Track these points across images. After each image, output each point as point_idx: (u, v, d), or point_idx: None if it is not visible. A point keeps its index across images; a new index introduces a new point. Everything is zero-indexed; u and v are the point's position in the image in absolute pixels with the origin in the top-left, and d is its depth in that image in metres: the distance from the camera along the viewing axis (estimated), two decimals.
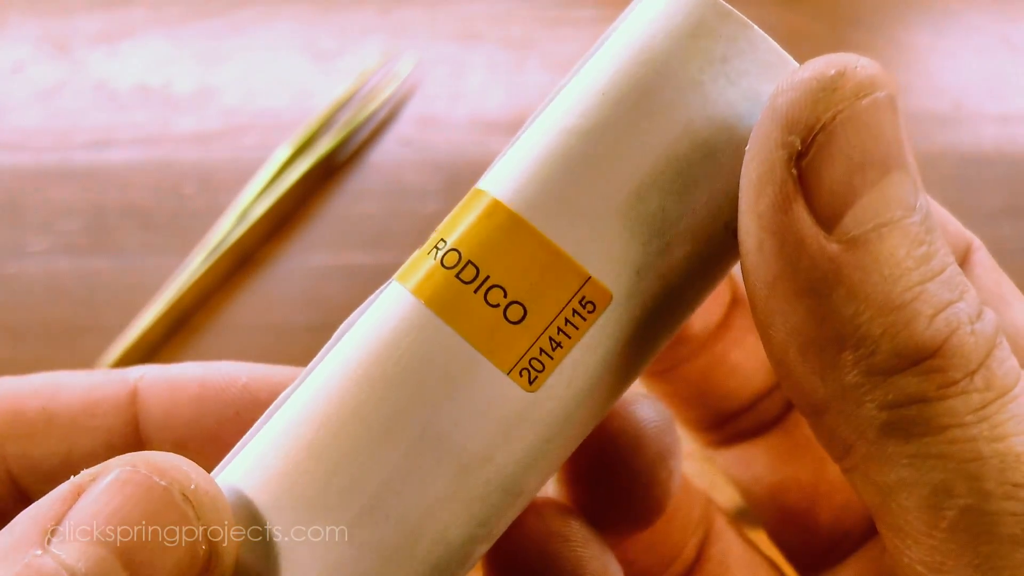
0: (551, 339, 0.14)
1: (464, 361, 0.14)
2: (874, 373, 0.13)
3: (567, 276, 0.14)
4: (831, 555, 0.19)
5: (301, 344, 0.39)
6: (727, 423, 0.20)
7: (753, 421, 0.19)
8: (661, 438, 0.16)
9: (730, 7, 0.14)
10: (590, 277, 0.14)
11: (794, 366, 0.13)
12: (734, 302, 0.18)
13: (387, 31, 0.45)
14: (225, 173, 0.40)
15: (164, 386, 0.16)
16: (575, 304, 0.14)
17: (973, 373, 0.13)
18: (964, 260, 0.17)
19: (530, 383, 0.14)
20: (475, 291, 0.14)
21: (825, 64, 0.13)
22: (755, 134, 0.13)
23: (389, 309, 0.14)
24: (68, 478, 0.14)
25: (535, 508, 0.16)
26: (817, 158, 0.13)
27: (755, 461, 0.19)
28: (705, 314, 0.18)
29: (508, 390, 0.14)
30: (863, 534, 0.19)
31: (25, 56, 0.44)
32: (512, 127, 0.41)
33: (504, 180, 0.14)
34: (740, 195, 0.14)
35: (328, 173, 0.40)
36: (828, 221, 0.13)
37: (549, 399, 0.14)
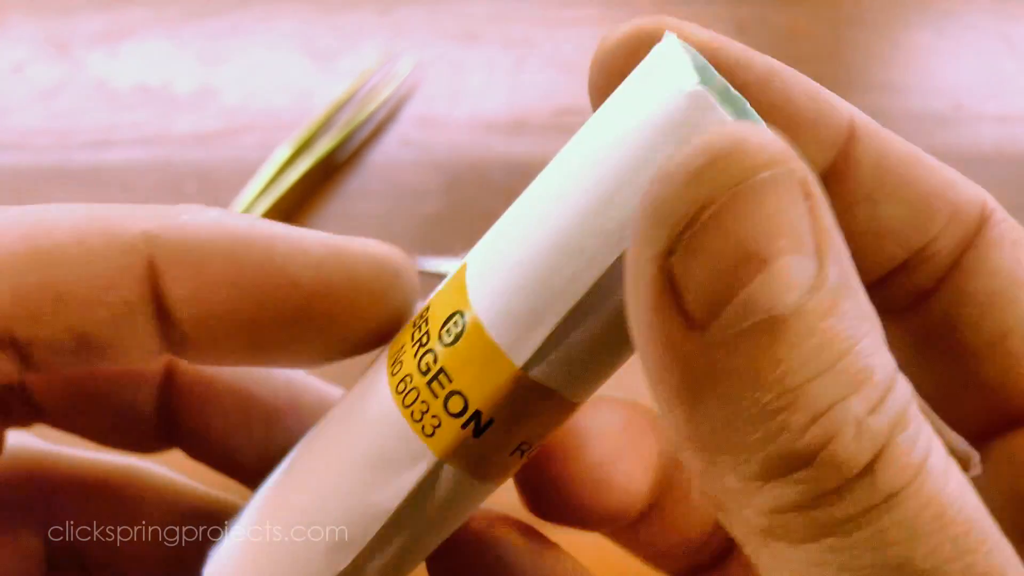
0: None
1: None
2: (750, 479, 0.12)
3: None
4: None
5: None
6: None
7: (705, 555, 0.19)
8: (603, 441, 0.16)
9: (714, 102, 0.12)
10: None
11: (687, 463, 0.13)
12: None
13: (387, 31, 0.45)
14: (225, 173, 0.40)
15: (188, 268, 0.15)
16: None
17: (853, 480, 0.12)
18: (977, 232, 0.16)
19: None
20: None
21: (704, 145, 0.11)
22: (632, 229, 0.12)
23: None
24: (86, 352, 0.15)
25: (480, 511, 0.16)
26: (687, 253, 0.11)
27: None
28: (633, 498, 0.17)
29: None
30: None
31: (25, 56, 0.44)
32: (512, 127, 0.42)
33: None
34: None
35: (328, 173, 0.40)
36: (703, 321, 0.12)
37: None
